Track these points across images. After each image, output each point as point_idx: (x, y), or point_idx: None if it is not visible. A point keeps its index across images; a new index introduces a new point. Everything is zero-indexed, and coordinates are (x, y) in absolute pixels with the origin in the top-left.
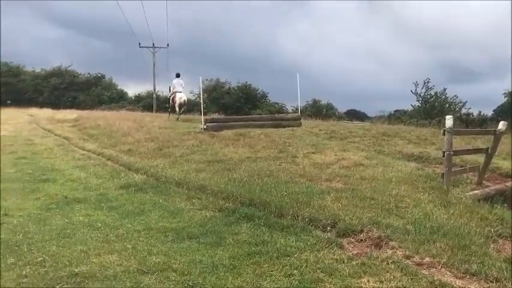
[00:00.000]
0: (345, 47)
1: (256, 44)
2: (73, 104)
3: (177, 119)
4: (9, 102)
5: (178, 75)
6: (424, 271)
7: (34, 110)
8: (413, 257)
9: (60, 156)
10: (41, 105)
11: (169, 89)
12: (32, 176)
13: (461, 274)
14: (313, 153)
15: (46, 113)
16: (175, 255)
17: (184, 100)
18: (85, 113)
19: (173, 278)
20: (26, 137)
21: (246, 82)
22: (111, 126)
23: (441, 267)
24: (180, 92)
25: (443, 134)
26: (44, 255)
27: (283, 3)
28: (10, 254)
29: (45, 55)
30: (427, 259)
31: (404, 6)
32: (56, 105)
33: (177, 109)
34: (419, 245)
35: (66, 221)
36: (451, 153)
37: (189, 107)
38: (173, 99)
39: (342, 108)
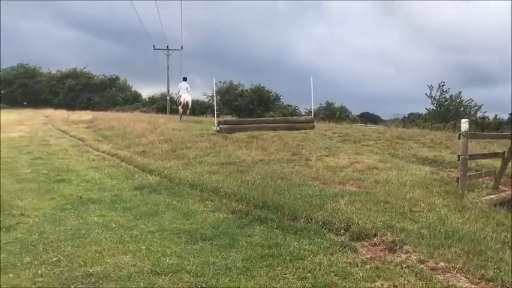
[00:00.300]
0: (359, 49)
1: (269, 46)
2: (88, 105)
3: (181, 118)
4: (26, 103)
5: (185, 79)
6: (438, 276)
7: (50, 111)
8: (428, 261)
9: (75, 157)
10: (57, 106)
11: (178, 92)
12: (48, 177)
13: (477, 280)
14: (326, 156)
15: (61, 114)
16: (188, 257)
17: (188, 102)
18: (100, 114)
19: (186, 279)
20: (42, 137)
21: (259, 84)
22: (125, 127)
23: (456, 272)
24: (185, 94)
25: (459, 138)
26: (59, 255)
27: (296, 5)
28: (26, 253)
29: (61, 57)
30: (442, 264)
31: (419, 8)
32: (71, 106)
33: (180, 110)
34: (434, 249)
35: (81, 221)
36: (467, 157)
37: (202, 108)
38: (178, 101)
39: (355, 111)
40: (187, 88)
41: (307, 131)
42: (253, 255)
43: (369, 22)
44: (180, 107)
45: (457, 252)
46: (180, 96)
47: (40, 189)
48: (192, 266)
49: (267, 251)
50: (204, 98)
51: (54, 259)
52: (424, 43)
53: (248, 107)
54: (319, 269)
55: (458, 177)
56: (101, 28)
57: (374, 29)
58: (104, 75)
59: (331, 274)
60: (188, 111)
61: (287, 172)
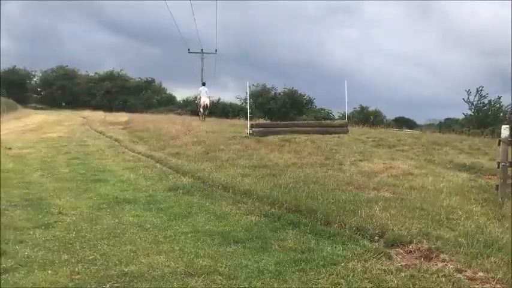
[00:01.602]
0: (394, 52)
1: (302, 49)
2: (124, 107)
3: (201, 118)
4: (64, 104)
5: (204, 84)
6: (477, 286)
7: (87, 112)
8: (466, 271)
9: (111, 158)
10: (94, 107)
11: (198, 95)
12: (85, 176)
13: None
14: (360, 160)
15: (98, 115)
16: (221, 259)
17: (206, 104)
18: (135, 116)
19: (219, 281)
20: (80, 138)
21: (292, 88)
22: (160, 129)
23: (496, 283)
24: (204, 97)
25: (499, 144)
26: (95, 254)
27: (330, 8)
28: (64, 250)
29: (99, 59)
30: (481, 274)
31: (455, 9)
32: (107, 108)
33: (201, 111)
34: (472, 259)
35: (117, 221)
36: (507, 164)
37: (235, 111)
38: (199, 103)
39: (390, 115)
40: (206, 92)
41: (341, 135)
42: (286, 259)
43: (403, 24)
44: (200, 108)
45: (497, 262)
46: (200, 99)
47: (77, 188)
48: (225, 268)
49: (299, 255)
50: (237, 101)
51: (91, 257)
52: (461, 46)
53: (281, 110)
54: (353, 276)
55: (497, 185)
56: (137, 31)
57: (409, 31)
58: (139, 77)
59: (365, 281)
60: (207, 112)
61: (320, 176)
